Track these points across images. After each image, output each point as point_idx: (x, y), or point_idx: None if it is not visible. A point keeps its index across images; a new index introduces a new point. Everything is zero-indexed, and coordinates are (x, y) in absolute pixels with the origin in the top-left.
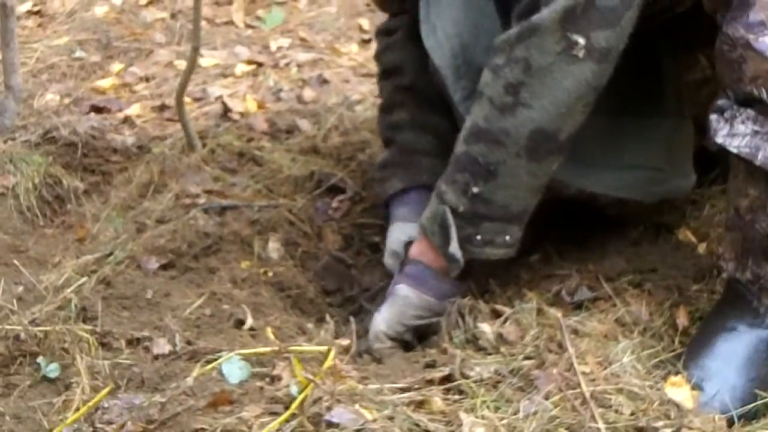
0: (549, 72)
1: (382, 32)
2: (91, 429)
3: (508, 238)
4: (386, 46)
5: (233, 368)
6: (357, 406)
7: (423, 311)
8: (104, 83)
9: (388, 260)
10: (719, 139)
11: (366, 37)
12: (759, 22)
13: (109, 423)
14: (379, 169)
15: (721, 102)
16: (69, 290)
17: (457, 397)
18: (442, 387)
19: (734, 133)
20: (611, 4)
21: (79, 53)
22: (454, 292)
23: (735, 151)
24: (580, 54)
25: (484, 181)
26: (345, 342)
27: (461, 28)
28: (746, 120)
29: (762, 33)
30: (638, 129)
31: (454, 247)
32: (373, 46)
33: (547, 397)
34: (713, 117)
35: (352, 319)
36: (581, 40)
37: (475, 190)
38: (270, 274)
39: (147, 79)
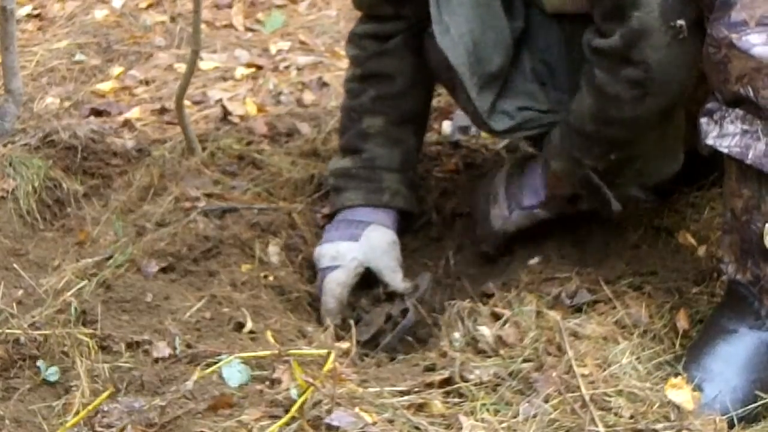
0: (667, 63)
1: (374, 37)
2: None
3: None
4: (381, 51)
5: (233, 371)
6: (357, 409)
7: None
8: (104, 87)
9: (330, 303)
10: (710, 141)
11: None
12: (741, 21)
13: (109, 426)
14: (336, 176)
15: (710, 105)
16: (69, 293)
17: (456, 400)
18: (441, 390)
19: (724, 134)
20: None
21: (79, 57)
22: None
23: (726, 151)
24: (686, 34)
25: (620, 149)
26: (345, 345)
27: (472, 25)
28: (735, 120)
29: (744, 32)
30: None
31: (615, 205)
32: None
33: (546, 400)
34: (703, 120)
35: (351, 322)
36: (682, 22)
37: (613, 157)
38: (270, 277)
39: (147, 83)
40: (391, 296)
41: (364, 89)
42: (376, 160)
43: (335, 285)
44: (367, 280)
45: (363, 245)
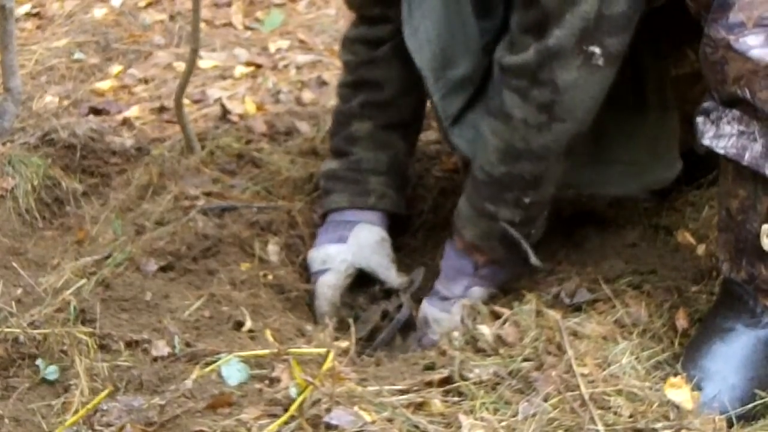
0: (575, 87)
1: (364, 42)
2: (90, 431)
3: (545, 213)
4: (371, 59)
5: (232, 370)
6: (356, 408)
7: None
8: (103, 85)
9: (323, 307)
10: (706, 141)
11: None
12: (739, 22)
13: (108, 425)
14: (325, 178)
15: (706, 104)
16: (68, 292)
17: (456, 398)
18: (441, 389)
19: (720, 135)
20: (620, 10)
21: (78, 55)
22: (514, 274)
23: (722, 152)
24: (600, 62)
25: (533, 189)
26: (344, 344)
27: (441, 30)
28: (732, 121)
29: (742, 33)
30: (619, 124)
31: (534, 259)
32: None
33: (546, 399)
34: (699, 120)
35: (351, 321)
36: (597, 50)
37: (527, 200)
38: (269, 276)
39: (146, 81)
40: (388, 293)
41: (354, 95)
42: (363, 163)
43: (326, 288)
44: (363, 280)
45: (351, 246)
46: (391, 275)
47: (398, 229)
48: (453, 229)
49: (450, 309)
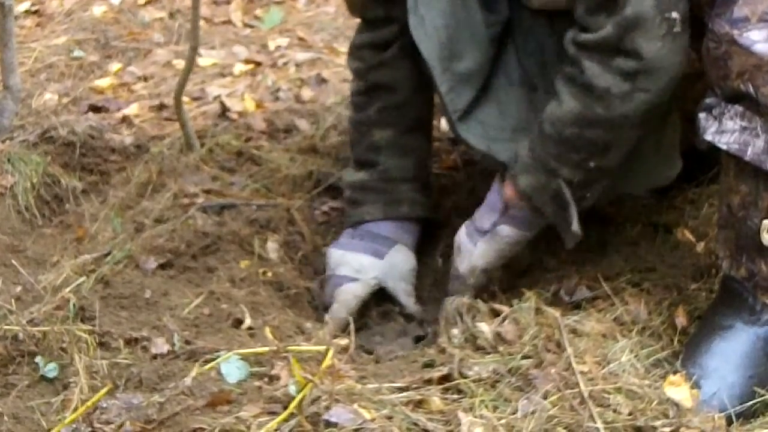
0: (660, 57)
1: (371, 46)
2: (90, 429)
3: (604, 182)
4: (379, 63)
5: (232, 368)
6: (355, 406)
7: (519, 246)
8: (102, 83)
9: (342, 313)
10: (708, 137)
11: None
12: (743, 17)
13: (108, 423)
14: (353, 189)
15: (709, 100)
16: (67, 290)
17: (455, 396)
18: (440, 386)
19: (723, 130)
20: None
21: (77, 53)
22: (543, 222)
23: (724, 147)
24: (680, 28)
25: (600, 156)
26: (343, 341)
27: (448, 20)
28: (734, 116)
29: (746, 28)
30: None
31: (576, 226)
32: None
33: (545, 397)
34: (701, 115)
35: (350, 318)
36: (676, 15)
37: (592, 164)
38: (269, 273)
39: (145, 79)
40: (407, 317)
41: (369, 102)
42: (390, 172)
43: (352, 297)
44: (378, 294)
45: (386, 265)
46: (410, 302)
47: (425, 234)
48: (507, 173)
49: (476, 242)
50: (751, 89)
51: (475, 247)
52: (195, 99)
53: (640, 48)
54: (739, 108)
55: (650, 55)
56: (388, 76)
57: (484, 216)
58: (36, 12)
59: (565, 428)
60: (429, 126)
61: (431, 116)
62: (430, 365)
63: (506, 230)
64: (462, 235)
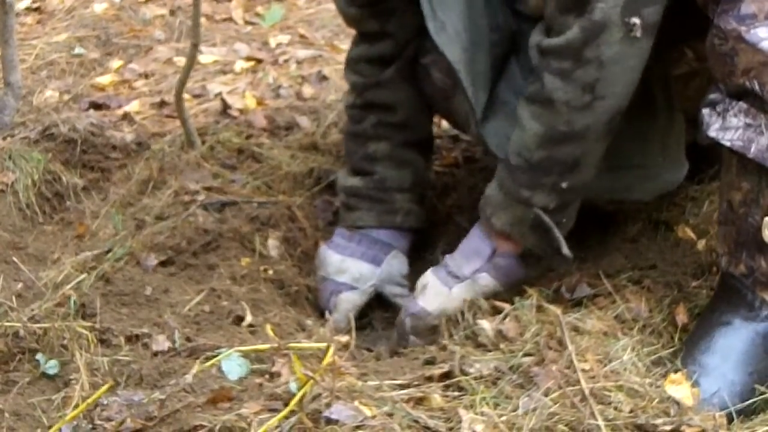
0: (617, 61)
1: (368, 60)
2: (90, 426)
3: (578, 201)
4: (377, 82)
5: (232, 365)
6: (356, 403)
7: (493, 295)
8: (103, 80)
9: (342, 322)
10: (712, 133)
11: None
12: (750, 14)
13: (108, 420)
14: (347, 193)
15: (712, 96)
16: (68, 287)
17: (456, 393)
18: (441, 384)
19: (727, 127)
20: None
21: (78, 50)
22: (526, 275)
23: (728, 144)
24: (638, 34)
25: (571, 174)
26: (344, 339)
27: (467, 22)
28: (738, 113)
29: (753, 25)
30: (633, 126)
31: (566, 249)
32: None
33: (546, 394)
34: (705, 111)
35: (351, 316)
36: (637, 20)
37: (564, 185)
38: (269, 271)
39: (146, 76)
40: None
41: (365, 116)
42: (387, 182)
43: (351, 306)
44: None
45: (383, 271)
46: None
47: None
48: (481, 216)
49: (451, 286)
50: (757, 86)
51: (450, 291)
52: (196, 96)
53: (601, 54)
54: (743, 105)
55: (608, 61)
56: (387, 97)
57: (464, 262)
58: (37, 9)
59: (566, 426)
60: (427, 144)
61: (431, 136)
62: (431, 362)
63: (486, 279)
64: (431, 278)
